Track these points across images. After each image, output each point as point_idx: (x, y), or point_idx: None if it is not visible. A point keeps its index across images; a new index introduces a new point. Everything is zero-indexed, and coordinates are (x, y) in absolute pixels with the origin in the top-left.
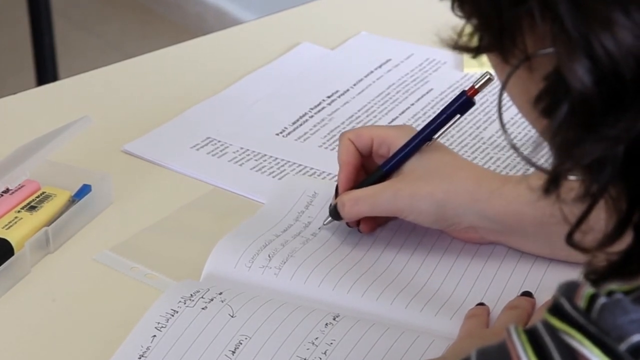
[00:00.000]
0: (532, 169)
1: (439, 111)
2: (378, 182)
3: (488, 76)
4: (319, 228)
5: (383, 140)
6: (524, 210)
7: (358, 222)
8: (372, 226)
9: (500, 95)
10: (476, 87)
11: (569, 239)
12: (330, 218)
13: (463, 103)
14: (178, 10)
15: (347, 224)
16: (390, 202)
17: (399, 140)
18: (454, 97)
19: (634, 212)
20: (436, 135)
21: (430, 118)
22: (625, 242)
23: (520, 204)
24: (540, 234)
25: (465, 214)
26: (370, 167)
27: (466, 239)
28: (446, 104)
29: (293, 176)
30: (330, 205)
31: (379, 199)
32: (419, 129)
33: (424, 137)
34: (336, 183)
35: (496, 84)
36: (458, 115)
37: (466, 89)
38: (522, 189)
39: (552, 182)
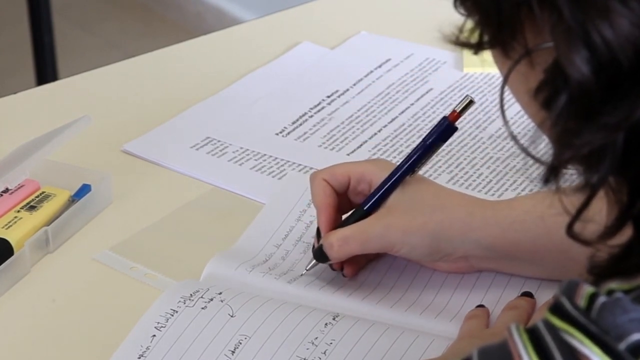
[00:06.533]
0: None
1: (420, 140)
2: (361, 219)
3: (469, 99)
4: (301, 275)
5: (362, 177)
6: (518, 237)
7: (342, 266)
8: (356, 269)
9: (502, 90)
10: (458, 110)
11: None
12: (314, 262)
13: (445, 129)
14: (178, 10)
15: (331, 267)
16: (381, 237)
17: (380, 175)
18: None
19: (634, 204)
20: (419, 167)
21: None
22: (625, 235)
23: (515, 231)
24: (534, 259)
25: (460, 243)
26: (344, 205)
27: (454, 269)
28: (428, 132)
29: (295, 173)
30: (314, 247)
31: (370, 235)
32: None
33: (407, 169)
34: (317, 226)
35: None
36: (441, 143)
37: (447, 114)
38: (515, 215)
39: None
